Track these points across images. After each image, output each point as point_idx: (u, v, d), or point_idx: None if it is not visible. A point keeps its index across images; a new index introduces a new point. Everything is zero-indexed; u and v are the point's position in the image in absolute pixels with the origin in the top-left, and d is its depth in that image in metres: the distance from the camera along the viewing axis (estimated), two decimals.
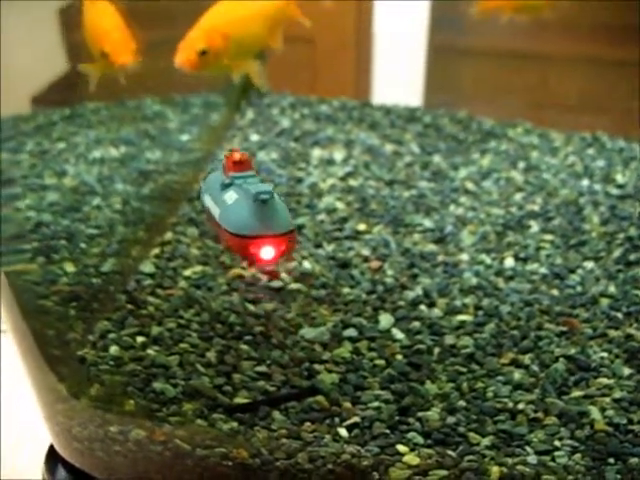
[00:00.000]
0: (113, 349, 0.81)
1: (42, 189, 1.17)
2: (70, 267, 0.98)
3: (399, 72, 1.68)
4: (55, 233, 1.04)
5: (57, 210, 1.11)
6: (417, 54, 1.65)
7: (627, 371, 0.80)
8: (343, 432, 0.71)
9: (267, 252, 0.65)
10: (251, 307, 0.90)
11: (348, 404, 0.74)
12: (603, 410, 0.74)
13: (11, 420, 1.00)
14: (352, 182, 1.25)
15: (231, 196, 0.67)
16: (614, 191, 1.24)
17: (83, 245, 1.04)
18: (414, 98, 1.68)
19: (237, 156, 0.71)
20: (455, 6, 1.60)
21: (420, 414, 0.73)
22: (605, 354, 0.83)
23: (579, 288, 0.95)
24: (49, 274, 0.96)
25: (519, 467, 0.67)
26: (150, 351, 0.81)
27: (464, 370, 0.80)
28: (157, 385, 0.76)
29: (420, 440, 0.70)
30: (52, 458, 0.81)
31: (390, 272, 0.98)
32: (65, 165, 1.27)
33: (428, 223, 1.11)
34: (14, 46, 1.30)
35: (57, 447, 0.80)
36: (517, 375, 0.79)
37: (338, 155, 1.35)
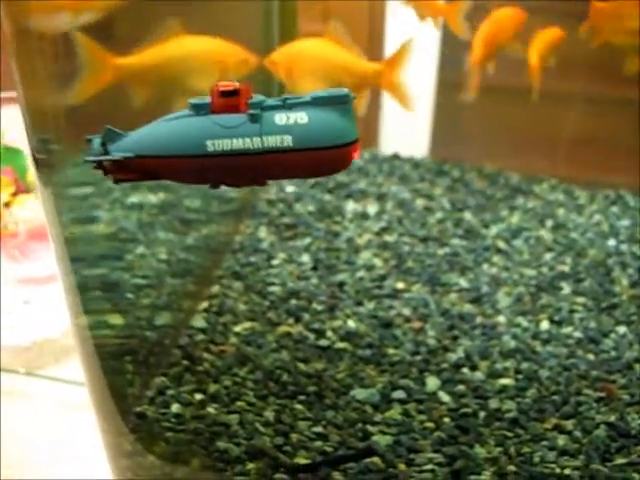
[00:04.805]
0: (175, 407, 0.85)
1: None
2: (118, 319, 1.01)
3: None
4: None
5: None
6: (425, 94, 1.68)
7: None
8: None
9: (357, 155, 0.58)
10: (302, 366, 0.94)
11: (403, 466, 0.78)
12: None
13: None
14: (387, 237, 1.30)
15: (296, 117, 0.56)
16: None
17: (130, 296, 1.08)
18: (421, 137, 1.71)
19: (226, 86, 0.57)
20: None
21: (473, 477, 0.77)
22: None
23: (613, 353, 1.00)
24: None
25: None
26: (210, 409, 0.85)
27: (510, 435, 0.84)
28: (221, 444, 0.79)
29: None
30: None
31: (431, 333, 1.02)
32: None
33: (464, 282, 1.16)
34: None
35: None
36: (561, 441, 0.83)
37: (371, 209, 1.40)
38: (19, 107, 0.66)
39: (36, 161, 0.68)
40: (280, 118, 0.56)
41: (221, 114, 0.56)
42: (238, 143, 0.56)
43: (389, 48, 1.64)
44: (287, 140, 0.55)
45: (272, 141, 0.55)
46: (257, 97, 0.56)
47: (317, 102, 0.56)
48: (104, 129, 0.57)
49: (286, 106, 0.56)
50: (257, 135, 0.55)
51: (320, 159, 0.56)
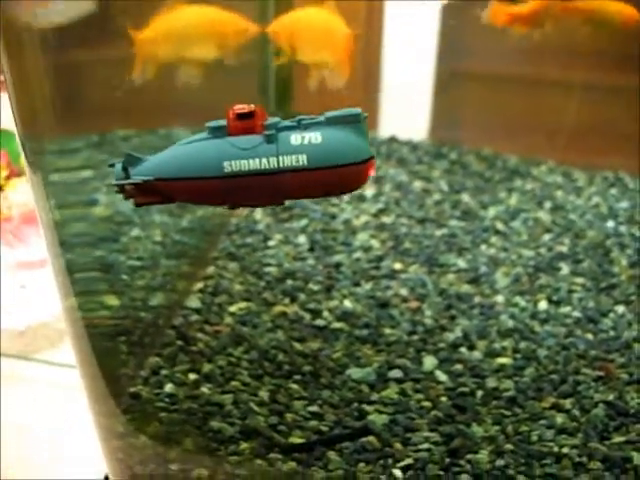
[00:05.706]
0: (168, 387, 0.84)
1: None
2: (113, 300, 1.00)
3: (407, 97, 1.69)
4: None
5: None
6: (425, 77, 1.67)
7: None
8: (398, 473, 0.73)
9: (372, 172, 0.60)
10: (297, 345, 0.93)
11: (399, 445, 0.77)
12: None
13: None
14: (385, 219, 1.29)
15: (310, 137, 0.58)
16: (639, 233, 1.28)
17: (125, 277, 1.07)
18: (420, 119, 1.70)
19: (242, 109, 0.58)
20: (463, 33, 1.61)
21: (469, 456, 0.76)
22: None
23: (612, 332, 0.99)
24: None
25: None
26: (204, 389, 0.84)
27: (508, 413, 0.83)
28: (214, 424, 0.78)
29: None
30: None
31: (429, 313, 1.01)
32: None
33: (462, 263, 1.15)
34: None
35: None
36: (559, 419, 0.82)
37: (369, 191, 1.39)
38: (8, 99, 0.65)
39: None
40: (295, 138, 0.57)
41: (238, 136, 0.57)
42: (255, 164, 0.57)
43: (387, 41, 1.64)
44: (302, 159, 0.57)
45: (288, 161, 0.57)
46: (272, 119, 0.57)
47: (330, 121, 0.57)
48: (125, 155, 0.58)
49: (300, 126, 0.57)
50: (273, 155, 0.57)
51: (336, 177, 0.58)
